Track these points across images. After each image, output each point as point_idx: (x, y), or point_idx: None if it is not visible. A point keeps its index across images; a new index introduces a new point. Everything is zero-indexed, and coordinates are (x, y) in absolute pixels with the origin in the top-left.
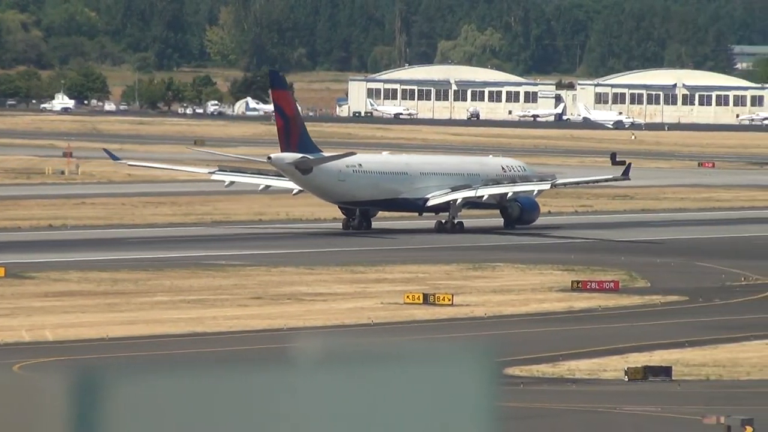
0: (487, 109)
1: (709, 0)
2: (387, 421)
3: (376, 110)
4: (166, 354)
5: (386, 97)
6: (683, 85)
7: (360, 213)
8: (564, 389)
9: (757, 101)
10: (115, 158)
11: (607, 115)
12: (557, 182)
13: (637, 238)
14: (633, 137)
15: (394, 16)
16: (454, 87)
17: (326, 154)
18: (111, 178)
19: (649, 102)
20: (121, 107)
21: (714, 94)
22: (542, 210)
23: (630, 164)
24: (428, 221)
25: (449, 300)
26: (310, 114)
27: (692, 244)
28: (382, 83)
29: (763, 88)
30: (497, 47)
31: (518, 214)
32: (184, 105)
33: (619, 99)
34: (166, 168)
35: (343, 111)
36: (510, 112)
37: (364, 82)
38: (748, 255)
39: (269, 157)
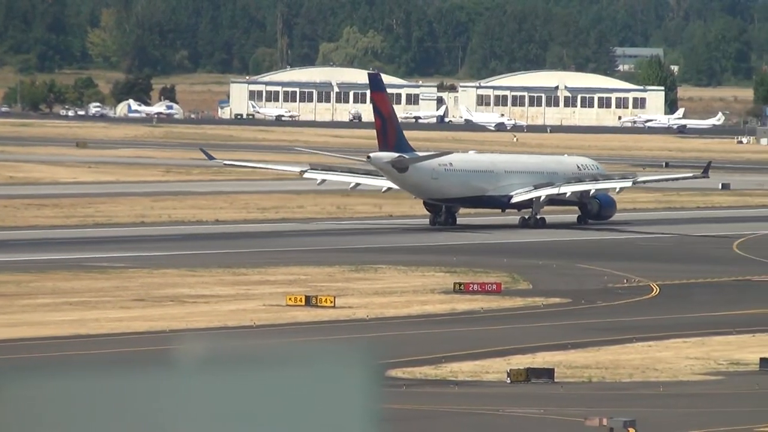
0: (369, 111)
1: (591, 2)
2: (270, 423)
3: (258, 112)
4: (50, 356)
5: (268, 99)
6: (565, 87)
7: (445, 210)
8: (446, 391)
9: (639, 103)
10: (210, 158)
11: (489, 117)
12: (638, 180)
13: (518, 240)
14: (515, 139)
15: (275, 18)
16: (336, 89)
17: (420, 153)
18: None
19: (531, 104)
20: (3, 109)
21: (596, 96)
22: (425, 212)
23: (710, 162)
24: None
25: (331, 302)
26: (192, 116)
27: (574, 245)
28: (264, 85)
29: (645, 90)
30: (379, 49)
31: (597, 210)
32: (66, 107)
33: (501, 101)
34: (259, 167)
35: (224, 113)
36: None
37: (246, 84)
38: (630, 257)
39: (369, 157)
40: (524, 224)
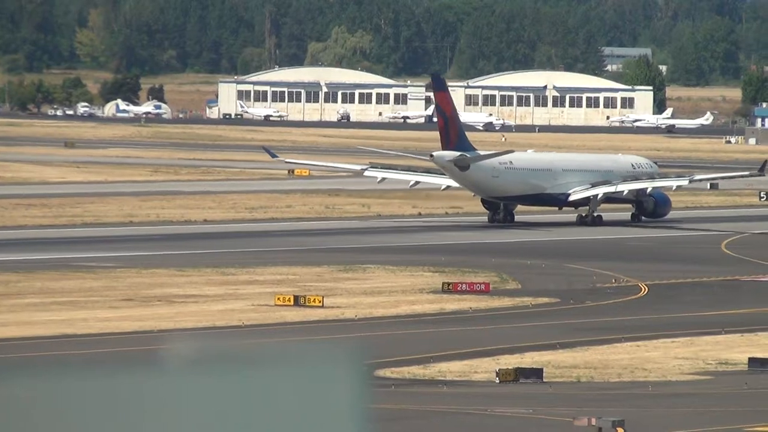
0: (357, 111)
1: (580, 2)
2: (259, 422)
3: (247, 112)
4: (38, 356)
5: (256, 99)
6: (554, 86)
7: (504, 207)
8: (435, 391)
9: (627, 103)
10: (273, 155)
11: (477, 116)
12: (694, 178)
13: (507, 240)
14: (503, 139)
15: (264, 18)
16: (325, 89)
17: (482, 152)
18: None
19: (520, 104)
20: None
21: (584, 96)
22: (413, 212)
23: (766, 161)
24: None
25: (320, 302)
26: (180, 116)
27: (562, 245)
28: (252, 85)
29: (633, 90)
30: (367, 49)
31: (652, 208)
32: (55, 107)
33: (489, 101)
34: (320, 165)
35: (213, 113)
36: (380, 114)
37: (234, 84)
38: (618, 257)
39: (431, 155)
40: (581, 222)
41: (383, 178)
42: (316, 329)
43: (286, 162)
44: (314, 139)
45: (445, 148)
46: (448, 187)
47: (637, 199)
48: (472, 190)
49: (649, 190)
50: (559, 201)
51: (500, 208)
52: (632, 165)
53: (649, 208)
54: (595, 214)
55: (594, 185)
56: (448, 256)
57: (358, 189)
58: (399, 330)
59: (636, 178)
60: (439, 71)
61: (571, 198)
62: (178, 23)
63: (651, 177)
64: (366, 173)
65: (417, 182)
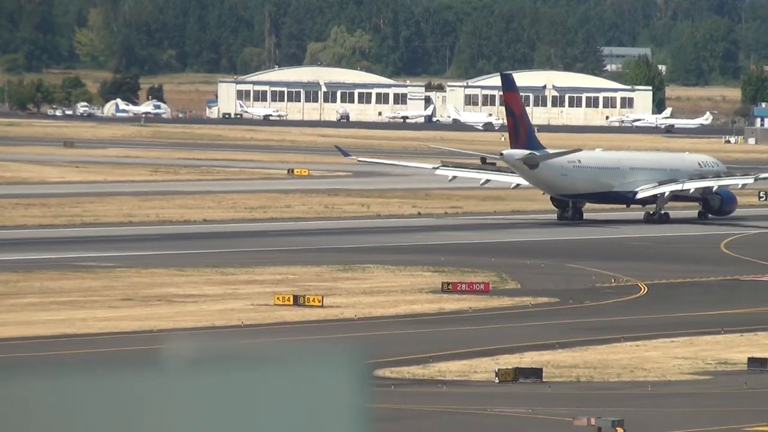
0: (356, 111)
1: (579, 2)
2: (259, 422)
3: (246, 112)
4: (37, 356)
5: (256, 99)
6: (553, 86)
7: (572, 205)
8: (434, 391)
9: (626, 103)
10: (346, 154)
11: (476, 116)
12: (760, 176)
13: (507, 239)
14: (503, 139)
15: (263, 18)
16: (324, 89)
17: (550, 151)
18: None
19: None
20: None
21: (584, 96)
22: (412, 211)
23: None
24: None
25: (319, 301)
26: (180, 116)
27: (562, 245)
28: (252, 85)
29: (632, 90)
30: (367, 49)
31: (719, 205)
32: (54, 107)
33: (488, 101)
34: (393, 164)
35: (212, 113)
36: (380, 114)
37: (234, 84)
38: (617, 256)
39: (501, 154)
40: (649, 219)
41: (454, 177)
42: (315, 329)
43: (359, 161)
44: (313, 139)
45: (514, 146)
46: (518, 185)
47: (704, 197)
48: (541, 188)
49: (715, 188)
50: (627, 199)
51: (569, 206)
52: (699, 163)
53: (715, 206)
54: (662, 212)
55: (661, 183)
56: (447, 255)
57: (357, 189)
58: (398, 330)
59: (702, 176)
60: (438, 70)
61: (639, 196)
62: (177, 23)
63: (717, 175)
64: (437, 172)
65: (487, 180)
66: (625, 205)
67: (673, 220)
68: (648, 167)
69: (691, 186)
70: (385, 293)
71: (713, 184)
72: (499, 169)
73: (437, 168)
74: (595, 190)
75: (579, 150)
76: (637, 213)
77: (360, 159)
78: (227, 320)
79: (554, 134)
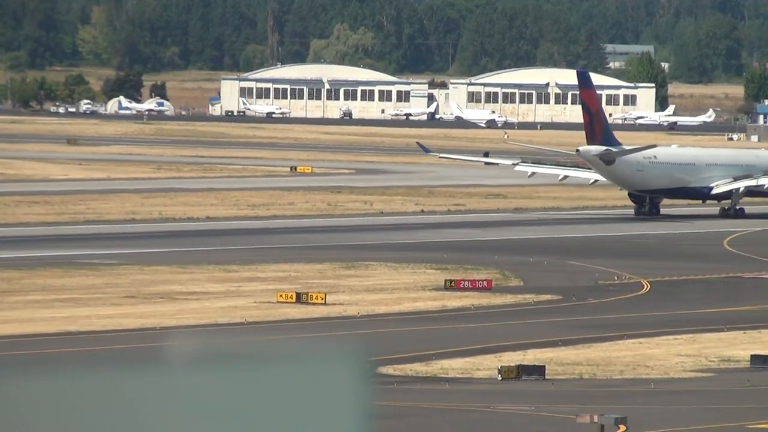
0: (359, 108)
1: None
2: (261, 420)
3: (249, 109)
4: (40, 353)
5: (259, 96)
6: (556, 84)
7: (649, 200)
8: (437, 388)
9: (629, 100)
10: (427, 151)
11: (479, 114)
12: None
13: (510, 237)
14: (506, 136)
15: (266, 15)
16: (327, 86)
17: (626, 147)
18: None
19: (522, 101)
20: None
21: None
22: (416, 209)
23: None
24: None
25: (322, 299)
26: (183, 113)
27: (565, 243)
28: (255, 82)
29: (635, 88)
30: (370, 46)
31: None
32: (57, 104)
33: (491, 98)
34: (473, 160)
35: (215, 110)
36: (383, 111)
37: (237, 81)
38: (620, 254)
39: (578, 150)
40: (724, 215)
41: (533, 173)
42: (318, 326)
43: (440, 157)
44: (317, 137)
45: (590, 143)
46: (596, 181)
47: None
48: (618, 184)
49: None
50: (703, 194)
51: (646, 202)
52: None
53: None
54: (737, 207)
55: (736, 179)
56: (450, 253)
57: (360, 186)
58: (401, 327)
59: None
60: (441, 68)
61: (714, 191)
62: (180, 20)
63: None
64: (516, 168)
65: (566, 176)
66: (700, 201)
67: (749, 215)
68: (723, 163)
69: (766, 181)
70: (388, 291)
71: None
72: (577, 166)
73: (516, 164)
74: (670, 185)
75: (654, 146)
76: (713, 208)
77: (441, 155)
78: (230, 318)
79: (557, 132)
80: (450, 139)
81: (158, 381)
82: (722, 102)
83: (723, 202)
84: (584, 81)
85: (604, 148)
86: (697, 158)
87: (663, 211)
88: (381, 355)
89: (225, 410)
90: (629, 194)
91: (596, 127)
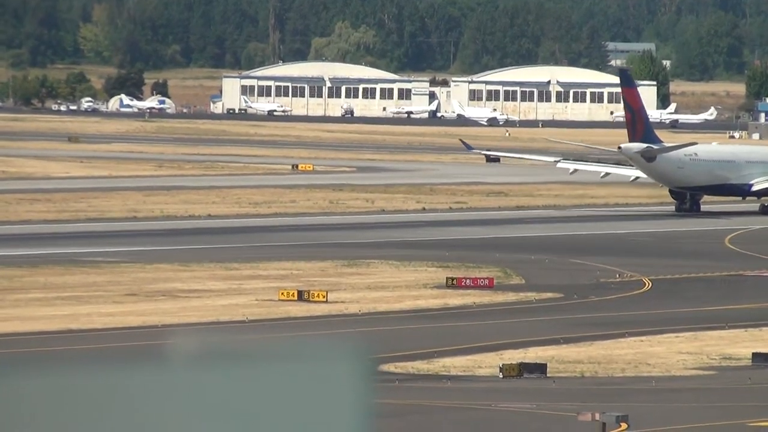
0: (361, 106)
1: None
2: (262, 418)
3: (250, 107)
4: (41, 351)
5: (260, 94)
6: (557, 82)
7: (690, 197)
8: (439, 386)
9: None
10: (469, 147)
11: (481, 111)
12: None
13: (511, 235)
14: (507, 134)
15: (267, 13)
16: (328, 84)
17: (667, 144)
18: None
19: (523, 99)
20: None
21: (588, 91)
22: (417, 207)
23: None
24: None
25: (324, 297)
26: (184, 111)
27: (567, 240)
28: (256, 80)
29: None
30: (371, 44)
31: None
32: (59, 102)
33: (493, 96)
34: (515, 156)
35: (217, 108)
36: (384, 109)
37: (238, 79)
38: (622, 252)
39: (619, 147)
40: (764, 211)
41: (575, 170)
42: (319, 324)
43: (482, 153)
44: (318, 135)
45: (632, 140)
46: (637, 178)
47: None
48: (659, 181)
49: None
50: (743, 191)
51: (686, 198)
52: None
53: None
54: None
55: None
56: (451, 251)
57: (362, 184)
58: (403, 325)
59: None
60: (443, 66)
61: (754, 188)
62: (182, 18)
63: None
64: (558, 165)
65: (607, 173)
66: (741, 198)
67: None
68: (763, 161)
69: None
70: (389, 288)
71: None
72: (618, 163)
73: (558, 161)
74: (711, 182)
75: (695, 143)
76: (753, 205)
77: (483, 152)
78: (232, 315)
79: (559, 129)
80: (451, 137)
81: (159, 379)
82: (724, 100)
83: (762, 198)
84: (626, 80)
85: (645, 145)
86: (737, 156)
87: (702, 207)
88: (382, 353)
89: (226, 408)
90: (670, 191)
91: (638, 125)
